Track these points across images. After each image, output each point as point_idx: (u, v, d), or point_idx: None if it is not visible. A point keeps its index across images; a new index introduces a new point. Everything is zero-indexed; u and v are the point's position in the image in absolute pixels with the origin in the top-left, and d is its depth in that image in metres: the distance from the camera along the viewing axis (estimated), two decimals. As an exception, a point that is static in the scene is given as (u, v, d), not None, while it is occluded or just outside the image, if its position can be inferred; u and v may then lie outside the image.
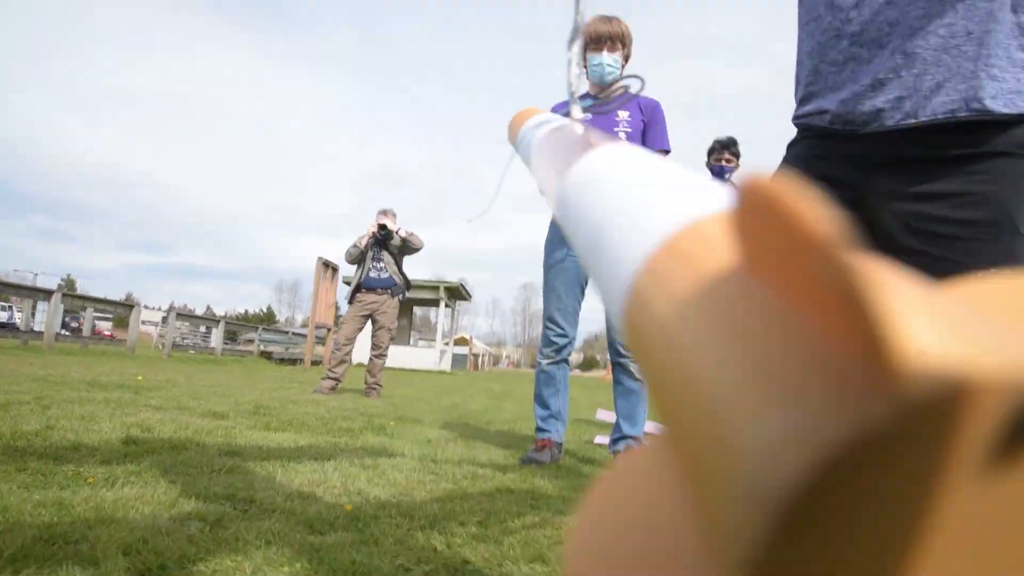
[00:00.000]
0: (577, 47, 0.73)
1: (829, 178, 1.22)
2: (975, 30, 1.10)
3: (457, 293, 26.38)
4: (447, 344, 25.99)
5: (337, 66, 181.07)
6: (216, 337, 16.18)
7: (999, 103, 1.09)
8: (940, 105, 1.10)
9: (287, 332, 19.19)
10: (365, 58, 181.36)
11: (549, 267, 3.19)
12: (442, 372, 21.34)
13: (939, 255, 1.14)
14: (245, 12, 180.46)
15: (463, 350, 31.88)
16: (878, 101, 1.15)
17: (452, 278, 26.71)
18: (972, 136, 1.11)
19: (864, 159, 1.19)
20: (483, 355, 36.85)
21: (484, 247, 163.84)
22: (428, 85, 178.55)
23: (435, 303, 25.26)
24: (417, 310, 32.27)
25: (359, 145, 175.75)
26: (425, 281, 24.00)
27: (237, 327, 19.17)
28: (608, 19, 2.95)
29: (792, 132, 1.34)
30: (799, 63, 1.34)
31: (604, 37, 2.90)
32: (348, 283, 7.55)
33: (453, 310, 28.20)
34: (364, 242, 6.38)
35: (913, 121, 1.12)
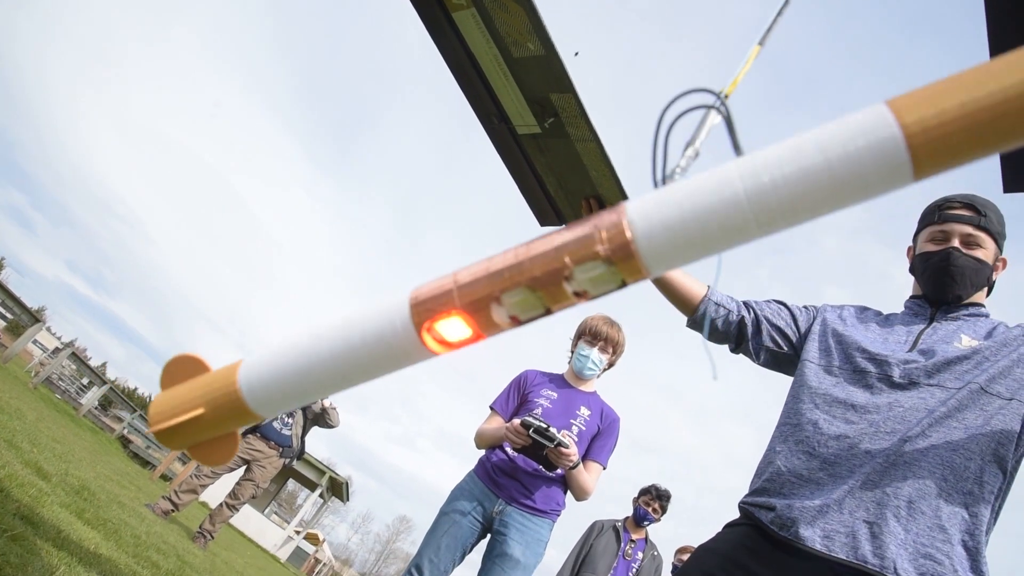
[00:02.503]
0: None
1: (750, 571, 1.23)
2: (919, 504, 1.18)
3: (339, 489, 24.82)
4: (298, 533, 23.89)
5: (370, 226, 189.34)
6: (91, 396, 15.00)
7: None
8: (870, 552, 1.14)
9: (159, 431, 17.79)
10: (397, 233, 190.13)
11: (444, 513, 3.03)
12: (275, 559, 19.35)
13: None
14: (313, 132, 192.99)
15: (309, 547, 29.20)
16: (817, 525, 1.20)
17: (342, 472, 25.31)
18: None
19: (789, 570, 1.21)
20: (326, 564, 33.64)
21: (389, 459, 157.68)
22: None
23: (312, 486, 23.65)
24: (291, 483, 30.17)
25: (339, 298, 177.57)
26: (316, 460, 22.67)
27: (117, 398, 17.82)
28: (612, 323, 3.11)
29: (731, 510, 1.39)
30: (767, 453, 1.40)
31: (601, 337, 3.03)
32: (249, 420, 7.16)
33: (324, 503, 26.34)
34: (289, 392, 6.16)
35: (841, 557, 1.16)
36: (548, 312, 0.68)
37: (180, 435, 0.83)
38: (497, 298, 0.67)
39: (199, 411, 0.79)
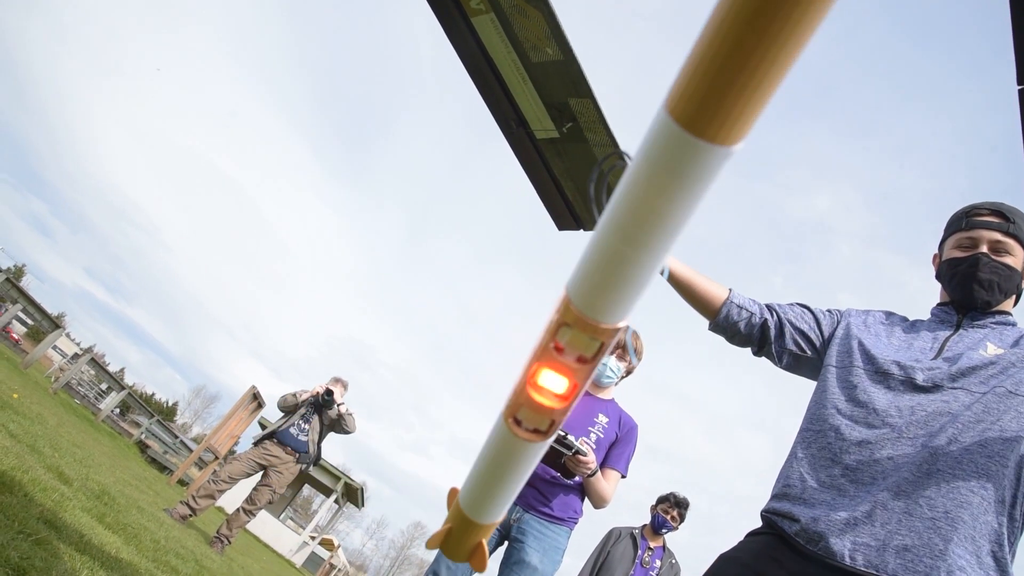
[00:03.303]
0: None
1: None
2: (956, 514, 1.14)
3: (354, 495, 24.86)
4: (313, 538, 23.96)
5: (384, 234, 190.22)
6: (109, 402, 15.16)
7: None
8: (900, 568, 1.11)
9: (176, 437, 17.88)
10: (410, 239, 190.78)
11: None
12: (291, 564, 19.43)
13: None
14: (326, 138, 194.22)
15: (324, 553, 29.26)
16: (846, 538, 1.17)
17: (357, 478, 25.33)
18: None
19: None
20: (341, 570, 33.73)
21: (404, 466, 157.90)
22: (452, 316, 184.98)
23: (328, 492, 23.72)
24: (307, 488, 30.28)
25: (354, 307, 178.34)
26: (331, 466, 22.72)
27: (135, 403, 17.97)
28: (633, 333, 3.09)
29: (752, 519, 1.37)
30: (789, 459, 1.38)
31: (620, 344, 3.01)
32: (263, 426, 7.19)
33: (339, 509, 26.40)
34: (304, 398, 6.17)
35: (872, 572, 1.13)
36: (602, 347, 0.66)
37: (449, 546, 1.02)
38: (559, 348, 0.66)
39: (449, 526, 1.00)
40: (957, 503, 1.14)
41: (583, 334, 0.62)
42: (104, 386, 17.52)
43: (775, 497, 1.35)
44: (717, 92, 0.45)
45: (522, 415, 0.73)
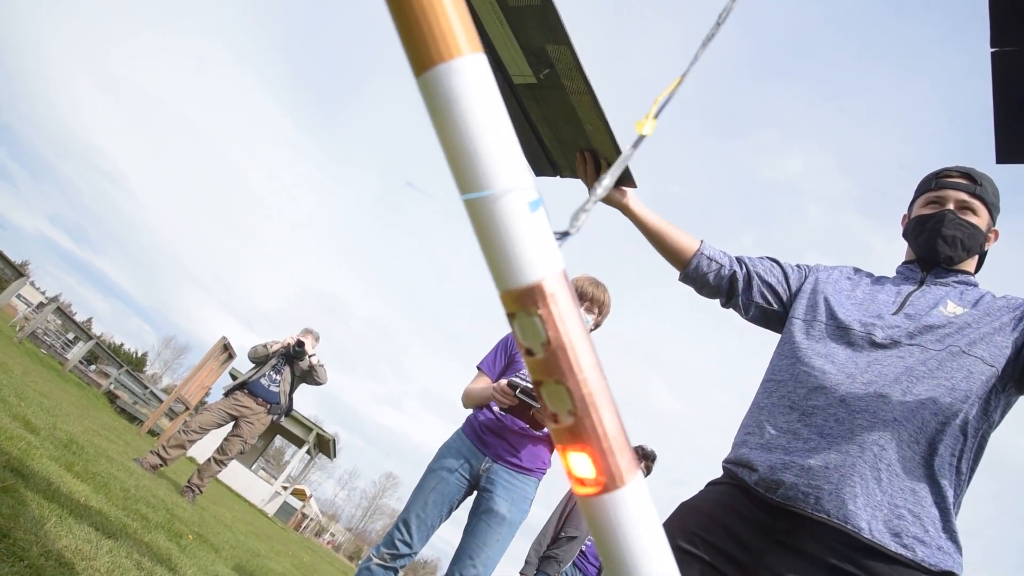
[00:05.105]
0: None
1: (732, 532, 1.25)
2: (905, 464, 1.19)
3: (326, 446, 25.04)
4: (285, 488, 24.17)
5: (357, 188, 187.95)
6: (77, 351, 14.96)
7: (895, 543, 1.14)
8: (852, 514, 1.16)
9: (147, 388, 17.73)
10: (386, 198, 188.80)
11: (432, 470, 3.05)
12: (263, 513, 19.61)
13: None
14: (299, 89, 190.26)
15: (296, 503, 29.55)
16: (801, 484, 1.21)
17: (329, 429, 25.44)
18: (867, 560, 1.15)
19: (770, 529, 1.23)
20: (313, 520, 34.08)
21: (377, 418, 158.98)
22: (425, 270, 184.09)
23: (300, 443, 23.85)
24: (279, 439, 30.41)
25: (326, 260, 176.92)
26: (303, 417, 22.79)
27: (103, 353, 17.74)
28: (597, 284, 3.10)
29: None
30: (750, 409, 1.42)
31: (587, 297, 3.03)
32: (234, 376, 7.17)
33: (311, 459, 26.60)
34: (274, 349, 6.14)
35: (824, 518, 1.17)
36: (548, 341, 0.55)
37: None
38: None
39: None
40: (907, 455, 1.19)
41: (520, 312, 0.54)
42: (71, 336, 17.26)
43: (735, 446, 1.38)
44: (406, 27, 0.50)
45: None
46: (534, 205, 0.53)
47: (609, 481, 0.55)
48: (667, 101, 0.83)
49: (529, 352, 0.55)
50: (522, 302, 0.53)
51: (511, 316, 0.55)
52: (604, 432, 0.55)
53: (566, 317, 0.54)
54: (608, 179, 0.71)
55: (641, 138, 0.79)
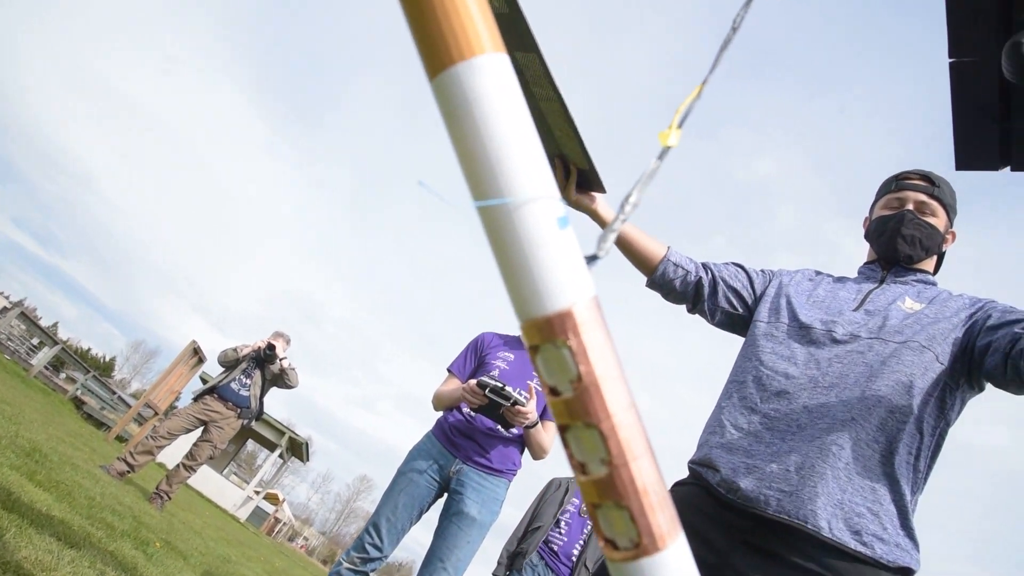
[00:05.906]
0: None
1: (699, 534, 1.26)
2: (864, 463, 1.22)
3: (299, 450, 24.81)
4: (257, 493, 23.90)
5: (331, 189, 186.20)
6: (42, 357, 14.66)
7: (855, 541, 1.17)
8: (810, 514, 1.19)
9: (114, 393, 17.43)
10: (360, 195, 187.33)
11: (402, 473, 3.05)
12: (234, 519, 19.37)
13: None
14: (272, 89, 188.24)
15: (269, 508, 29.21)
16: (762, 487, 1.23)
17: (302, 432, 25.22)
18: (829, 559, 1.17)
19: (736, 530, 1.25)
20: (285, 524, 33.70)
21: (350, 421, 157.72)
22: (400, 273, 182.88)
23: (272, 447, 23.59)
24: (250, 444, 30.07)
25: (300, 263, 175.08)
26: (275, 420, 22.54)
27: (69, 359, 17.40)
28: None
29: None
30: (714, 411, 1.45)
31: None
32: (204, 381, 7.09)
33: (284, 463, 26.33)
34: (245, 352, 6.08)
35: (786, 519, 1.20)
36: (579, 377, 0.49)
37: None
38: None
39: None
40: (866, 454, 1.22)
41: (546, 344, 0.48)
42: (36, 341, 16.91)
43: (700, 447, 1.41)
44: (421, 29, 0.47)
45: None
46: (563, 222, 0.48)
47: (649, 543, 0.48)
48: (690, 110, 0.83)
49: (554, 392, 0.48)
50: (549, 332, 0.47)
51: (533, 349, 0.49)
52: (644, 486, 0.48)
53: (600, 349, 0.47)
54: (635, 195, 0.66)
55: (667, 149, 0.75)
